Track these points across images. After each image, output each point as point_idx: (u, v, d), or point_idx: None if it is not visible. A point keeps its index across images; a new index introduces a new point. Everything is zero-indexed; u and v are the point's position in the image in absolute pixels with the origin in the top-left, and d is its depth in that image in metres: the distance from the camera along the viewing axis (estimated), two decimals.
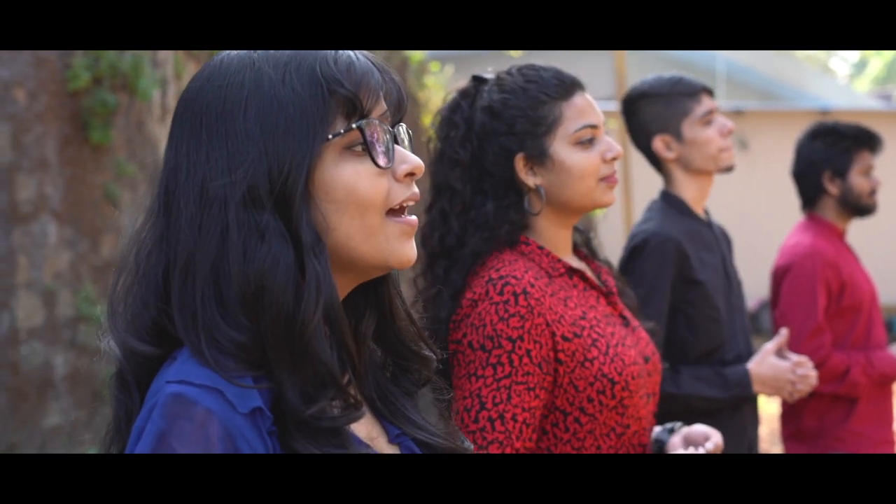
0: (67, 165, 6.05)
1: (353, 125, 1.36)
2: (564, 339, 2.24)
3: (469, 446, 1.54)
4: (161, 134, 6.78)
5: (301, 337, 1.31)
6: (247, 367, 1.31)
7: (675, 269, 3.12)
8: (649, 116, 3.31)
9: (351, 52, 1.40)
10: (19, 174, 5.83)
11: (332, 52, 1.39)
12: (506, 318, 2.20)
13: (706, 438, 2.28)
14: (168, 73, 6.89)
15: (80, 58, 5.97)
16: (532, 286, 2.24)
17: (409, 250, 1.41)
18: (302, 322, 1.31)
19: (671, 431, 2.34)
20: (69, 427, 6.04)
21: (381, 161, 1.37)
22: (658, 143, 3.30)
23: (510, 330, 2.20)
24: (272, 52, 1.39)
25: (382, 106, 1.40)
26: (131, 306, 1.37)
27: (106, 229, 6.31)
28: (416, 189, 1.42)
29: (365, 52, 1.43)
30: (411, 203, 1.42)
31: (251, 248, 1.31)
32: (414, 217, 1.42)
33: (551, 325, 2.23)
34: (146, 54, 6.37)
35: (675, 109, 3.27)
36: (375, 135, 1.38)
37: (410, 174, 1.40)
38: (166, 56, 6.83)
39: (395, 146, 1.41)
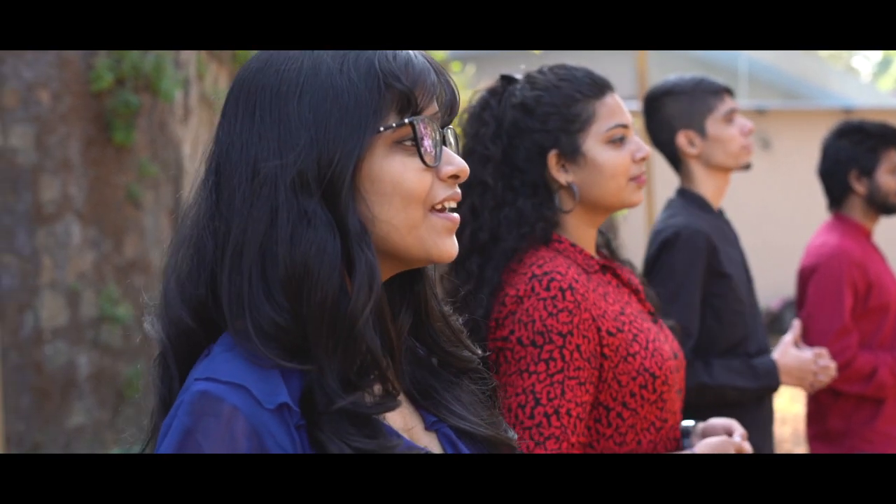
0: (91, 166, 6.08)
1: (406, 120, 1.37)
2: (609, 333, 2.25)
3: (513, 435, 1.55)
4: (184, 135, 6.80)
5: (351, 325, 1.32)
6: (286, 350, 1.32)
7: (705, 262, 3.15)
8: (674, 112, 3.33)
9: (410, 52, 1.41)
10: (43, 175, 5.86)
11: (392, 50, 1.40)
12: (555, 314, 2.21)
13: (727, 431, 2.28)
14: (190, 74, 6.91)
15: (103, 59, 6.00)
16: (576, 282, 2.25)
17: (451, 245, 1.42)
18: (352, 312, 1.32)
19: (688, 433, 2.35)
20: (93, 426, 6.06)
21: (429, 159, 1.39)
22: (682, 139, 3.32)
23: (560, 325, 2.20)
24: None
25: (435, 107, 1.42)
26: (185, 280, 1.39)
27: (129, 229, 6.33)
28: (457, 190, 1.43)
29: (422, 52, 1.44)
30: (452, 203, 1.43)
31: (298, 232, 1.33)
32: (456, 214, 1.43)
33: (597, 320, 2.24)
34: (168, 55, 6.39)
35: (700, 106, 3.31)
36: (425, 133, 1.39)
37: (454, 176, 1.42)
38: (189, 57, 6.85)
39: (443, 147, 1.42)
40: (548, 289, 2.23)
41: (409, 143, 1.38)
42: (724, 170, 3.35)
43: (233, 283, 1.34)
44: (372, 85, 1.36)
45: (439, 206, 1.41)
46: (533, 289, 2.24)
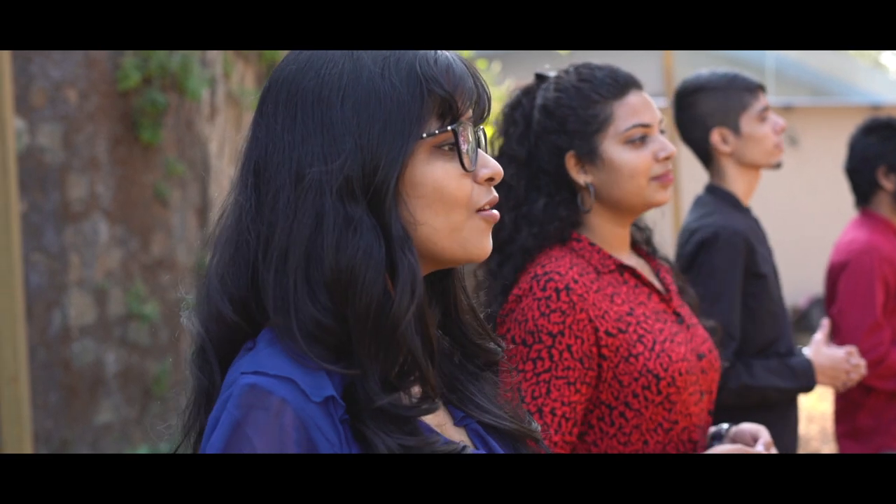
0: (118, 165, 6.10)
1: (448, 127, 1.39)
2: (608, 334, 2.25)
3: (536, 427, 1.56)
4: (210, 133, 6.83)
5: (394, 329, 1.34)
6: (330, 351, 1.34)
7: (744, 262, 3.13)
8: (708, 109, 3.30)
9: (448, 54, 1.42)
10: (71, 174, 5.89)
11: (432, 51, 1.41)
12: (547, 314, 2.22)
13: (753, 437, 2.27)
14: (217, 73, 6.93)
15: (130, 58, 6.03)
16: (576, 282, 2.25)
17: (488, 244, 1.44)
18: (395, 316, 1.34)
19: (720, 436, 2.33)
20: (120, 424, 6.09)
21: (467, 163, 1.40)
22: (715, 136, 3.29)
23: (551, 325, 2.22)
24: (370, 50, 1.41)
25: (470, 111, 1.43)
26: (227, 275, 1.39)
27: (156, 228, 6.36)
28: (495, 193, 1.44)
29: (459, 54, 1.45)
30: (490, 206, 1.44)
31: (344, 238, 1.34)
32: (496, 212, 1.44)
33: (594, 320, 2.24)
34: (195, 54, 6.42)
35: (735, 103, 3.28)
36: (464, 137, 1.40)
37: (490, 179, 1.43)
38: (215, 56, 6.87)
39: (478, 150, 1.43)
40: (544, 289, 2.24)
41: (447, 147, 1.39)
42: (755, 167, 3.33)
43: (278, 285, 1.35)
44: (414, 90, 1.37)
45: (481, 209, 1.43)
46: (531, 288, 2.26)
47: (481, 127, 1.46)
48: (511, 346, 2.22)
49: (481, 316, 1.55)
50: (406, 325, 1.34)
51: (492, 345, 1.55)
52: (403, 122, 1.36)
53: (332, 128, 1.36)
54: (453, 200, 1.39)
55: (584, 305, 2.24)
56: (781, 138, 3.33)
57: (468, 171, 1.40)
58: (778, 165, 3.36)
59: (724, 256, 3.12)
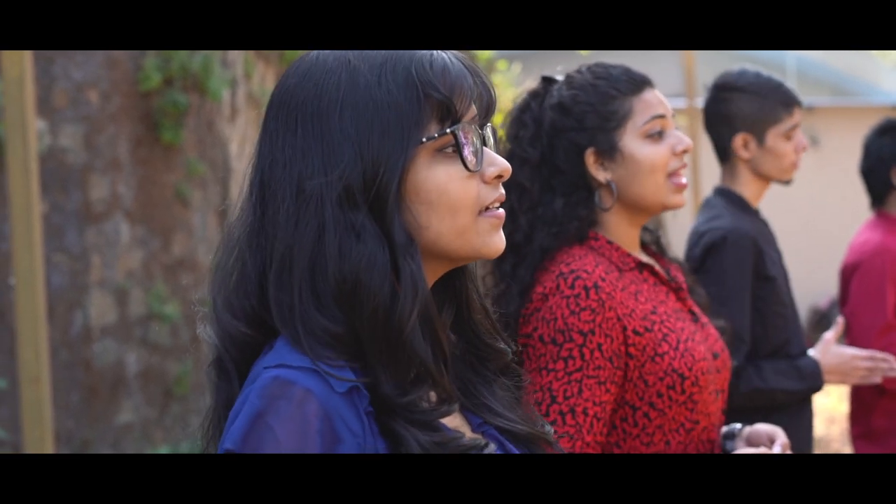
0: (139, 165, 6.13)
1: (447, 130, 1.38)
2: (636, 333, 2.24)
3: (549, 430, 1.56)
4: (231, 134, 6.84)
5: (399, 335, 1.34)
6: (343, 357, 1.34)
7: (753, 264, 3.12)
8: (739, 112, 3.27)
9: (445, 55, 1.42)
10: (92, 174, 5.91)
11: (427, 53, 1.41)
12: (577, 312, 2.21)
13: (770, 438, 2.26)
14: (238, 74, 6.95)
15: (151, 59, 6.05)
16: (603, 280, 2.24)
17: (499, 240, 1.44)
18: (399, 322, 1.34)
19: (732, 435, 2.33)
20: (141, 424, 6.12)
21: (471, 165, 1.40)
22: (738, 140, 3.27)
23: (581, 324, 2.20)
24: (366, 52, 1.41)
25: (473, 109, 1.42)
26: (232, 293, 1.40)
27: (177, 228, 6.38)
28: (502, 190, 1.44)
29: (457, 53, 1.45)
30: (497, 204, 1.44)
31: (347, 246, 1.34)
32: (502, 210, 1.45)
33: (622, 319, 2.23)
34: (216, 55, 6.44)
35: (768, 115, 3.25)
36: (466, 138, 1.40)
37: (498, 176, 1.43)
38: (236, 56, 6.89)
39: (484, 148, 1.43)
40: (572, 287, 2.23)
41: (450, 150, 1.39)
42: (768, 179, 3.32)
43: (283, 299, 1.36)
44: (411, 96, 1.37)
45: (486, 208, 1.42)
46: (558, 286, 2.24)
47: (489, 124, 1.45)
48: (540, 345, 2.21)
49: (493, 316, 1.55)
50: (411, 331, 1.34)
51: (502, 345, 1.55)
52: (401, 128, 1.36)
53: (331, 139, 1.37)
54: (458, 203, 1.39)
55: (612, 304, 2.23)
56: (800, 158, 3.31)
57: (473, 171, 1.40)
58: (788, 182, 3.35)
59: (733, 259, 3.11)
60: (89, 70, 5.91)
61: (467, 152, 1.39)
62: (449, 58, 1.42)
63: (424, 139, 1.37)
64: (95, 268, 5.92)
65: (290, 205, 1.37)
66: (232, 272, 1.41)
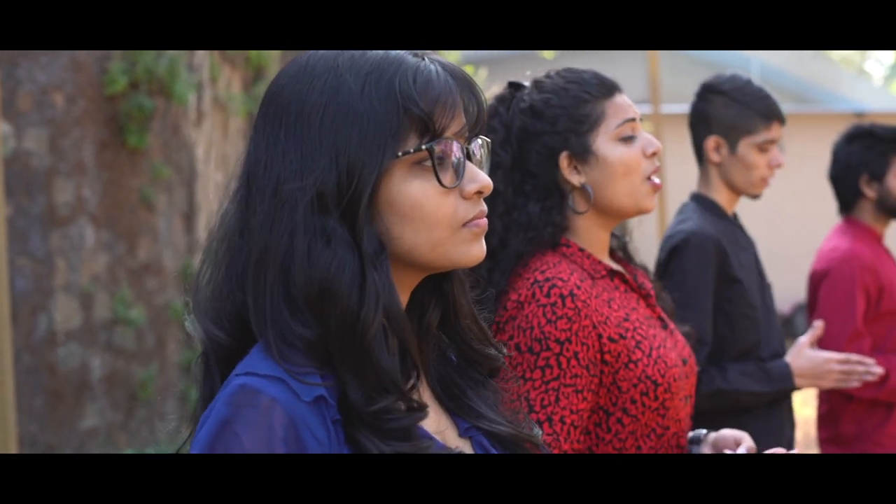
0: (104, 169, 6.10)
1: (423, 146, 1.38)
2: (610, 340, 2.24)
3: (537, 432, 1.56)
4: (197, 138, 6.83)
5: (362, 344, 1.34)
6: (313, 362, 1.35)
7: (716, 266, 3.13)
8: (717, 114, 3.29)
9: (433, 66, 1.42)
10: (57, 178, 5.89)
11: (414, 65, 1.40)
12: (553, 321, 2.21)
13: (736, 442, 2.28)
14: (204, 78, 6.93)
15: (116, 62, 6.03)
16: (578, 288, 2.24)
17: (478, 250, 1.43)
18: (362, 331, 1.34)
19: (698, 440, 2.35)
20: (106, 429, 6.09)
21: (447, 181, 1.39)
22: (711, 142, 3.29)
23: (558, 332, 2.20)
24: (357, 56, 1.41)
25: (460, 122, 1.42)
26: (213, 295, 1.41)
27: (142, 232, 6.36)
28: (483, 206, 1.43)
29: (448, 64, 1.44)
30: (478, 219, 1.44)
31: (316, 251, 1.35)
32: (485, 220, 1.44)
33: (598, 326, 2.24)
34: (182, 59, 6.42)
35: (745, 123, 3.25)
36: (447, 153, 1.40)
37: (479, 192, 1.42)
38: (202, 60, 6.87)
39: (467, 163, 1.42)
40: (548, 295, 2.23)
41: (428, 163, 1.39)
42: (736, 190, 3.33)
43: (257, 300, 1.36)
44: (391, 109, 1.37)
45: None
46: (534, 294, 2.24)
47: (476, 139, 1.45)
48: (516, 354, 2.21)
49: (482, 321, 1.55)
50: (373, 340, 1.34)
51: (492, 351, 1.55)
52: (378, 139, 1.36)
53: (310, 143, 1.37)
54: (432, 218, 1.39)
55: (587, 312, 2.23)
56: (772, 173, 3.32)
57: (449, 187, 1.39)
58: (756, 197, 3.35)
59: (694, 261, 3.12)
60: (54, 73, 5.88)
61: (443, 169, 1.39)
62: (436, 70, 1.41)
63: (400, 153, 1.37)
64: (60, 272, 5.89)
65: (268, 206, 1.37)
66: (213, 272, 1.42)
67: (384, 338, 1.36)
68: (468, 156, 1.43)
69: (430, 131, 1.39)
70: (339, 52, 1.42)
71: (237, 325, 1.40)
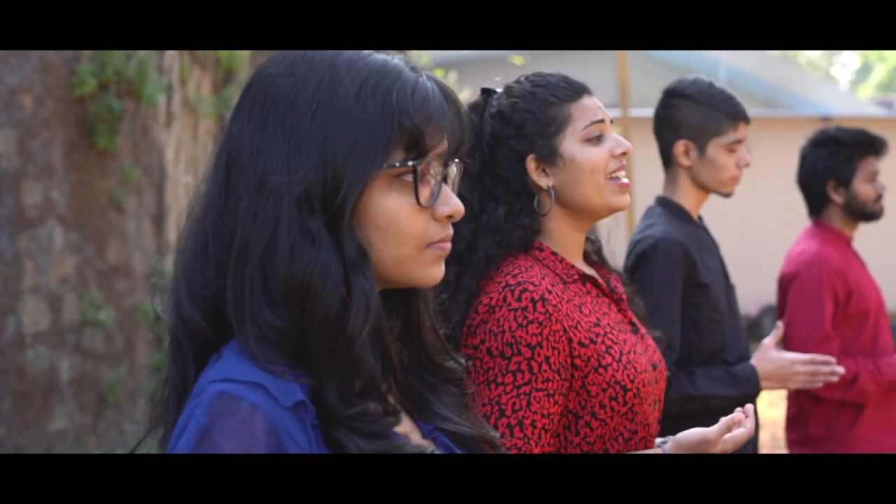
0: (73, 171, 6.08)
1: (409, 162, 1.39)
2: (581, 344, 2.25)
3: (495, 434, 1.57)
4: (167, 140, 6.81)
5: (349, 350, 1.35)
6: (287, 357, 1.35)
7: (683, 272, 3.15)
8: (684, 119, 3.30)
9: (429, 85, 1.42)
10: (26, 179, 5.86)
11: (413, 78, 1.40)
12: (524, 325, 2.22)
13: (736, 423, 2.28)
14: (174, 79, 6.92)
15: (86, 64, 6.00)
16: (549, 292, 2.25)
17: (437, 272, 1.45)
18: (350, 336, 1.34)
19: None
20: (74, 431, 6.06)
21: (423, 200, 1.40)
22: (680, 148, 3.30)
23: (529, 336, 2.21)
24: (356, 58, 1.41)
25: (445, 143, 1.42)
26: (191, 278, 1.40)
27: (111, 234, 6.33)
28: (451, 230, 1.45)
29: (443, 85, 1.45)
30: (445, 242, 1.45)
31: (299, 248, 1.35)
32: (449, 243, 1.45)
33: (568, 331, 2.25)
34: (152, 60, 6.40)
35: (713, 126, 3.27)
36: (428, 173, 1.41)
37: (449, 216, 1.43)
38: (171, 62, 6.86)
39: (443, 185, 1.43)
40: (519, 299, 2.23)
41: (408, 178, 1.39)
42: (707, 190, 3.35)
43: (235, 289, 1.36)
44: (385, 118, 1.37)
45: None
46: (505, 298, 2.24)
47: (454, 161, 1.45)
48: (488, 358, 2.22)
49: (442, 335, 1.56)
50: (362, 346, 1.35)
51: (451, 363, 1.56)
52: (369, 147, 1.36)
53: (299, 139, 1.37)
54: (403, 234, 1.39)
55: (558, 316, 2.24)
56: (742, 172, 3.35)
57: (423, 207, 1.40)
58: (728, 195, 3.38)
59: (662, 267, 3.13)
60: (23, 74, 5.86)
61: (424, 187, 1.40)
62: (433, 88, 1.42)
63: (386, 165, 1.38)
64: (28, 274, 5.86)
65: (252, 196, 1.37)
66: (192, 256, 1.41)
67: (370, 343, 1.37)
68: (444, 178, 1.44)
69: (417, 147, 1.39)
70: (339, 51, 1.42)
71: (212, 313, 1.39)
